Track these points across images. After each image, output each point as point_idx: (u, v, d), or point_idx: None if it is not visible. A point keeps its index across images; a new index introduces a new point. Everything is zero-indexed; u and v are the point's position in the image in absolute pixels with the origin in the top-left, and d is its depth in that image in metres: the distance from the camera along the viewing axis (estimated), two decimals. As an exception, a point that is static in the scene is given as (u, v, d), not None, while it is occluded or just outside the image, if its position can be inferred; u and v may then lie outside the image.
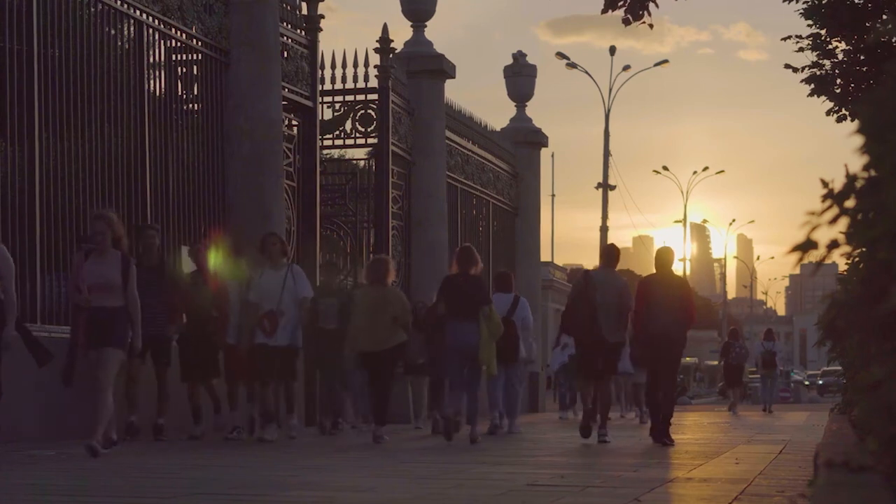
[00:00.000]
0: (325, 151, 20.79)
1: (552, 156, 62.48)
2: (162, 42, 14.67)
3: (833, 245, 2.77)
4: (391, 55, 20.37)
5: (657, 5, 13.59)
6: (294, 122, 17.66)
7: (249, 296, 12.59)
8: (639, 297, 12.66)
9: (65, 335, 11.25)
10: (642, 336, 12.75)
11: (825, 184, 2.80)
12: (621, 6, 13.62)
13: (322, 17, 17.90)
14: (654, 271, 13.07)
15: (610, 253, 13.31)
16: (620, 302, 12.65)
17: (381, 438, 12.23)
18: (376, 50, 20.18)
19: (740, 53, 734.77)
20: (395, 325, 12.45)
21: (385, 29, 20.25)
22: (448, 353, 12.59)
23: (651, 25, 13.69)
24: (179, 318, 12.56)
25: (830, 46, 16.79)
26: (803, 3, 16.31)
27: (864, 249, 3.54)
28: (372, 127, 20.28)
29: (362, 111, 20.28)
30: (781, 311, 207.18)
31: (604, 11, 13.77)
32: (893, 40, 14.36)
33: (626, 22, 13.69)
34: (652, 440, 12.35)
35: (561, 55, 42.38)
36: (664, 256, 13.09)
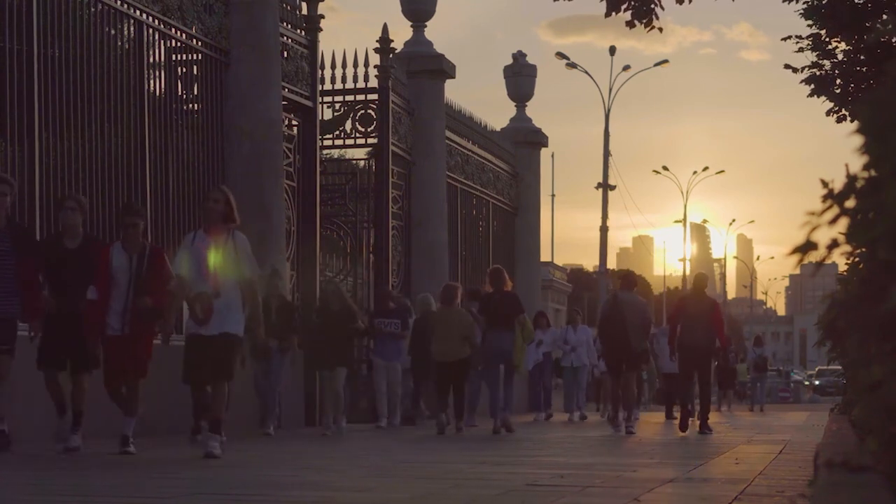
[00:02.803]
0: (325, 151, 20.82)
1: (552, 156, 62.39)
2: (162, 42, 14.67)
3: (833, 245, 2.77)
4: (391, 55, 20.37)
5: (662, 7, 13.54)
6: (294, 122, 17.67)
7: (177, 270, 9.73)
8: (676, 313, 15.57)
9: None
10: (678, 346, 15.28)
11: (825, 184, 2.80)
12: (625, 9, 13.58)
13: (322, 17, 17.91)
14: (690, 292, 16.17)
15: (630, 278, 16.50)
16: (644, 318, 15.71)
17: (461, 429, 15.00)
18: (376, 50, 20.19)
19: (742, 53, 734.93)
20: (463, 340, 14.87)
21: (385, 29, 20.26)
22: (488, 357, 15.03)
23: (661, 29, 13.64)
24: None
25: (830, 47, 16.79)
26: (803, 3, 16.30)
27: (864, 249, 3.54)
28: (372, 127, 20.28)
29: (362, 111, 20.28)
30: (781, 311, 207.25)
31: (607, 15, 13.73)
32: (893, 40, 14.36)
33: (630, 24, 13.66)
34: (680, 431, 15.02)
35: (561, 55, 42.36)
36: (700, 282, 15.94)
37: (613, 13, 13.63)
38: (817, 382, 57.06)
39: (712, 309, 15.43)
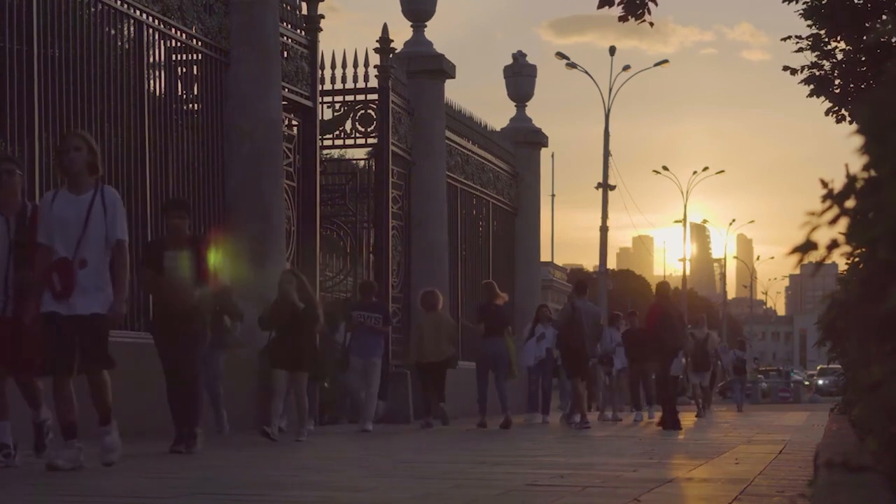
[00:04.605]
0: (325, 151, 20.81)
1: (552, 156, 62.52)
2: (162, 42, 14.67)
3: (833, 245, 2.77)
4: (391, 55, 20.37)
5: (656, 3, 13.55)
6: (294, 122, 17.66)
7: (40, 238, 8.15)
8: (654, 316, 16.86)
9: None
10: (662, 346, 16.72)
11: (825, 184, 2.80)
12: (618, 3, 13.57)
13: (322, 17, 17.91)
14: (659, 299, 17.48)
15: (584, 285, 18.15)
16: (597, 325, 17.66)
17: (431, 424, 16.29)
18: (376, 50, 20.20)
19: (743, 53, 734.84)
20: (448, 342, 16.58)
21: (385, 29, 20.26)
22: (483, 359, 17.30)
23: (651, 24, 13.64)
24: None
25: (830, 47, 16.79)
26: (803, 3, 16.30)
27: (864, 249, 3.54)
28: (372, 127, 20.28)
29: (362, 111, 20.28)
30: (781, 311, 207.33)
31: (599, 7, 13.70)
32: (893, 40, 14.35)
33: (622, 19, 13.65)
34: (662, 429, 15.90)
35: (560, 55, 42.36)
36: (666, 289, 17.89)
37: (607, 7, 13.60)
38: (820, 382, 56.77)
39: (679, 310, 17.34)
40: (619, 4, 13.51)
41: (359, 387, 15.87)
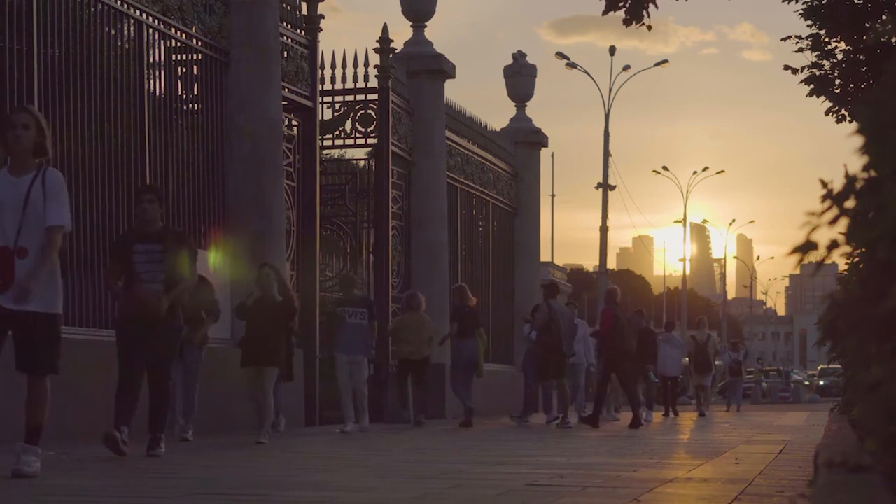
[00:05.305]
0: (325, 151, 20.81)
1: (552, 156, 62.61)
2: (162, 42, 14.67)
3: (833, 245, 2.77)
4: (391, 55, 20.38)
5: (657, 6, 13.59)
6: (294, 122, 17.67)
7: None
8: (608, 321, 17.58)
9: (66, 335, 11.23)
10: (611, 350, 17.46)
11: (825, 184, 2.79)
12: (622, 6, 13.62)
13: (322, 17, 17.92)
14: (610, 306, 18.06)
15: (555, 287, 19.05)
16: (571, 325, 18.16)
17: (421, 422, 16.93)
18: (376, 50, 20.21)
19: (744, 53, 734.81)
20: (428, 342, 17.19)
21: (385, 29, 20.26)
22: (457, 360, 18.01)
23: (649, 27, 13.69)
24: None
25: (830, 47, 16.78)
26: (802, 3, 16.30)
27: (864, 249, 3.54)
28: (372, 127, 20.29)
29: (362, 111, 20.29)
30: (781, 311, 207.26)
31: (605, 13, 13.78)
32: (893, 40, 14.35)
33: (626, 23, 13.70)
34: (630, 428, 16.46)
35: (560, 55, 42.36)
36: (615, 295, 18.42)
37: (612, 11, 13.67)
38: (821, 382, 56.65)
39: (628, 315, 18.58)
40: (622, 8, 13.56)
41: (345, 386, 15.16)
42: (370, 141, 20.36)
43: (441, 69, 21.85)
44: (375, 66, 20.17)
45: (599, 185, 44.46)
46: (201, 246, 14.96)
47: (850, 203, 2.74)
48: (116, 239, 11.19)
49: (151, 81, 14.48)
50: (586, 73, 42.90)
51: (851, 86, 16.71)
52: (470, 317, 17.99)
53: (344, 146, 20.85)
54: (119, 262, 9.59)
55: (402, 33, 21.98)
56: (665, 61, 46.38)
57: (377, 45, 20.21)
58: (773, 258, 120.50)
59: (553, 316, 17.47)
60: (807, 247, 2.72)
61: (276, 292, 12.42)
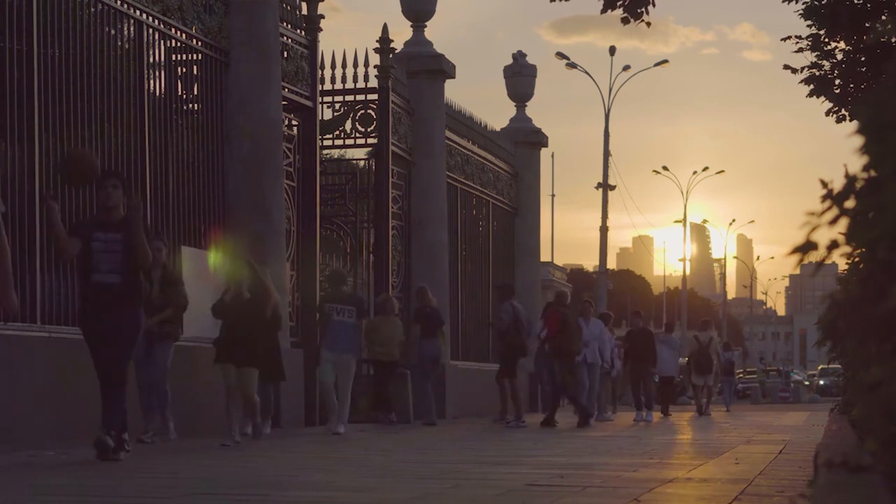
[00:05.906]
0: (325, 151, 20.82)
1: (552, 156, 62.62)
2: (162, 42, 14.67)
3: (833, 245, 2.77)
4: (391, 55, 20.38)
5: (654, 4, 13.59)
6: (294, 122, 17.67)
7: None
8: (555, 321, 17.71)
9: (66, 335, 11.25)
10: (560, 350, 17.68)
11: (825, 184, 2.79)
12: (620, 5, 13.62)
13: (322, 17, 17.92)
14: (558, 307, 18.04)
15: (511, 288, 19.15)
16: (530, 325, 18.44)
17: (393, 421, 17.38)
18: (376, 50, 20.21)
19: (744, 53, 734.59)
20: (398, 344, 17.44)
21: (385, 29, 20.26)
22: (422, 360, 18.29)
23: (648, 24, 13.69)
24: None
25: (830, 47, 16.78)
26: (802, 3, 16.29)
27: (864, 249, 3.54)
28: (372, 127, 20.29)
29: (362, 111, 20.29)
30: (781, 311, 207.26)
31: (603, 11, 13.78)
32: (893, 40, 14.35)
33: (625, 21, 13.70)
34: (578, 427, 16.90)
35: (560, 55, 42.37)
36: (564, 298, 18.67)
37: (610, 10, 13.66)
38: (821, 382, 56.59)
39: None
40: (620, 6, 13.56)
41: (327, 385, 14.62)
42: (370, 141, 20.36)
43: (441, 69, 21.85)
44: (375, 66, 20.18)
45: (599, 185, 44.46)
46: (201, 246, 14.97)
47: (850, 203, 2.74)
48: (77, 221, 10.73)
49: (151, 81, 14.48)
50: (586, 73, 42.94)
51: (851, 86, 16.70)
52: (432, 317, 18.44)
53: (344, 146, 20.85)
54: (77, 238, 9.04)
55: (402, 33, 22.00)
56: (665, 61, 46.40)
57: (377, 45, 20.21)
58: (773, 258, 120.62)
59: (518, 316, 17.73)
60: (807, 247, 2.72)
61: (245, 289, 12.08)
